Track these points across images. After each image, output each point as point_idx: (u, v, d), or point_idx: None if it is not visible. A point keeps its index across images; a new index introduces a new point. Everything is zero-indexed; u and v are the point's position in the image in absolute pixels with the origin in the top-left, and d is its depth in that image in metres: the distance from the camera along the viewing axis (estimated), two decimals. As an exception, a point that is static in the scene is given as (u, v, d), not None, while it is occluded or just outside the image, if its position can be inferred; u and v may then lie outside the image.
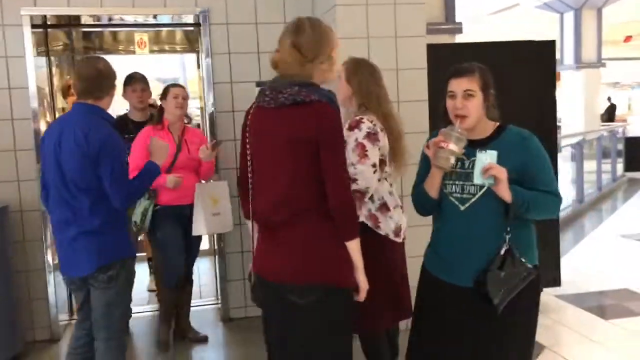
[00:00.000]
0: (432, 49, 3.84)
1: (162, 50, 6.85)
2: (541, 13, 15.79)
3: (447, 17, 5.57)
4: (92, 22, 4.53)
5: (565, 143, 9.53)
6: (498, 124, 2.31)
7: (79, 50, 6.32)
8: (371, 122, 2.78)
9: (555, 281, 4.35)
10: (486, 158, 2.13)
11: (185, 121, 3.91)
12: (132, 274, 2.79)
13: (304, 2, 4.27)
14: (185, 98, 3.80)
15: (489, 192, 2.17)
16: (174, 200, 3.70)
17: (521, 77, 4.12)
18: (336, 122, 2.11)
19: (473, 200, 2.23)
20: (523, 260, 2.19)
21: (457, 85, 2.24)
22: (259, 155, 2.17)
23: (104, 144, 2.60)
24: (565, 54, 14.99)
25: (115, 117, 4.21)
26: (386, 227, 2.85)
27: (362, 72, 2.91)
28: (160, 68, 7.10)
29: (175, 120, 3.79)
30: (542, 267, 4.10)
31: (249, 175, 2.21)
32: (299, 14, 4.18)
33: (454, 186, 2.29)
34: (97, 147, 2.58)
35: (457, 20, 6.67)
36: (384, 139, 2.82)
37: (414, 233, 3.06)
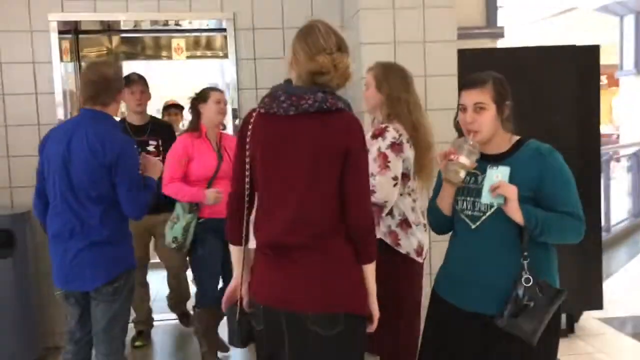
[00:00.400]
0: (463, 54, 3.64)
1: (204, 56, 6.87)
2: (600, 16, 15.14)
3: (489, 21, 5.31)
4: (118, 29, 4.54)
5: (623, 153, 9.04)
6: (518, 137, 2.12)
7: (117, 55, 6.39)
8: (397, 131, 2.62)
9: (597, 303, 4.04)
10: (497, 175, 1.95)
11: (221, 128, 3.76)
12: (134, 285, 2.71)
13: (332, 7, 4.14)
14: (226, 103, 3.63)
15: (500, 210, 1.98)
16: (217, 213, 3.33)
17: (561, 85, 3.85)
18: (363, 134, 1.94)
19: (483, 218, 2.05)
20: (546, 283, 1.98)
21: (467, 98, 2.07)
22: (270, 168, 1.90)
23: (122, 152, 2.54)
24: (625, 59, 14.28)
25: None
26: (407, 245, 2.67)
27: (392, 77, 2.71)
28: (199, 74, 7.10)
29: (213, 126, 3.55)
30: (582, 288, 3.83)
31: (246, 191, 1.97)
32: (327, 19, 4.12)
33: (465, 202, 2.12)
34: (115, 155, 2.51)
35: (505, 24, 6.41)
36: (409, 151, 2.65)
37: (439, 248, 2.88)
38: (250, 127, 1.93)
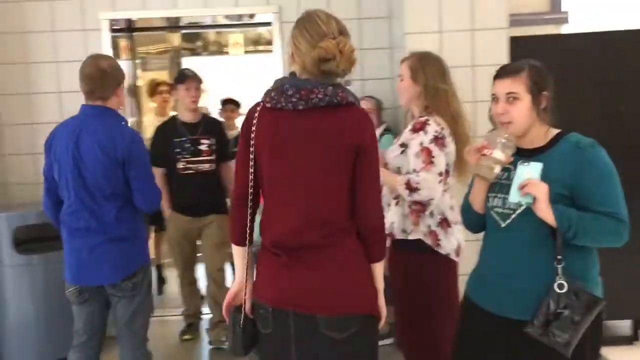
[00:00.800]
0: (516, 42, 3.44)
1: (265, 51, 6.91)
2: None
3: (553, 6, 5.02)
4: (169, 25, 4.62)
5: None
6: (558, 131, 1.95)
7: (177, 51, 6.53)
8: (438, 125, 2.50)
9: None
10: (527, 172, 1.80)
11: None
12: (151, 280, 2.73)
13: (380, -3, 4.05)
14: None
15: (530, 209, 1.83)
16: None
17: (626, 72, 3.57)
18: (374, 130, 1.87)
19: (513, 216, 1.91)
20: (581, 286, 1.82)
21: (499, 88, 1.94)
22: (278, 165, 1.81)
23: (134, 146, 2.55)
24: None
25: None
26: (448, 246, 2.55)
27: (428, 66, 2.58)
28: (257, 69, 7.17)
29: None
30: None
31: (250, 189, 1.88)
32: (374, 9, 4.03)
33: (495, 199, 1.98)
34: (127, 150, 2.51)
35: (576, 9, 6.05)
36: (451, 146, 2.52)
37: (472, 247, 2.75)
38: (254, 122, 1.83)
